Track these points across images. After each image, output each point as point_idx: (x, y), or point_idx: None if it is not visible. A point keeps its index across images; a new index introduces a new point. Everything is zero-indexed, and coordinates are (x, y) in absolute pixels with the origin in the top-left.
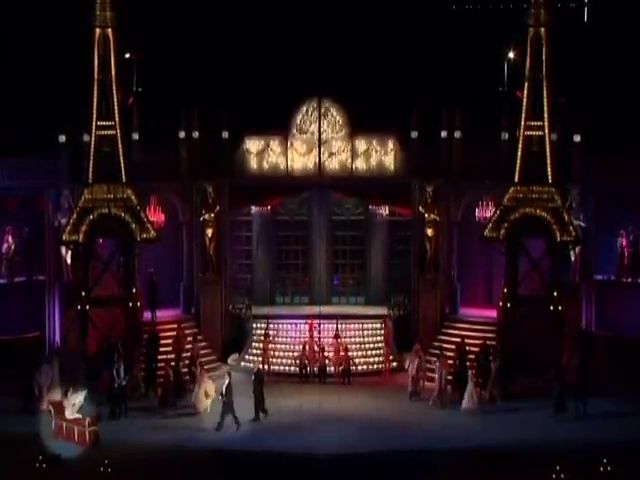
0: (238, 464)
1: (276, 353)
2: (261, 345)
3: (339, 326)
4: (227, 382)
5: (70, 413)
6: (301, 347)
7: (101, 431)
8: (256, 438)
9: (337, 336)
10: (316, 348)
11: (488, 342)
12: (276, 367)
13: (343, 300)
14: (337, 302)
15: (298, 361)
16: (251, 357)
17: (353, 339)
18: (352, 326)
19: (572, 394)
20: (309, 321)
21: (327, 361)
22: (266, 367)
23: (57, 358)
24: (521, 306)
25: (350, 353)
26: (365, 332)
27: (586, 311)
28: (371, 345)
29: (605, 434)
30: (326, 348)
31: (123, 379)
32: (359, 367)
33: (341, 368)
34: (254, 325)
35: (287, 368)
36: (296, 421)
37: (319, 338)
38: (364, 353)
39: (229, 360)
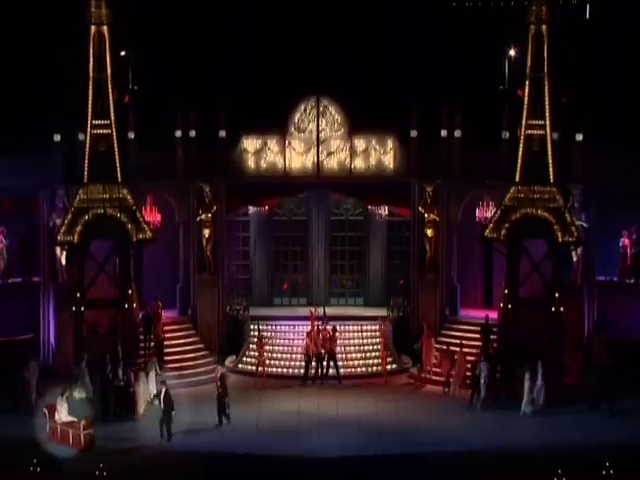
0: (235, 468)
1: (274, 355)
2: (255, 348)
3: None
4: (164, 391)
5: (65, 416)
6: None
7: (96, 434)
8: (253, 441)
9: (324, 323)
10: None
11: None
12: (274, 369)
13: (342, 301)
14: (336, 303)
15: (305, 344)
16: (249, 359)
17: (352, 341)
18: (351, 328)
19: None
20: (311, 310)
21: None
22: (263, 369)
23: (37, 359)
24: (522, 308)
25: (338, 337)
26: (364, 334)
27: (588, 313)
28: (371, 347)
29: (609, 437)
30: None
31: (121, 380)
32: (358, 369)
33: (328, 350)
34: (252, 327)
35: (285, 370)
36: (294, 424)
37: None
38: (363, 355)
39: (226, 362)
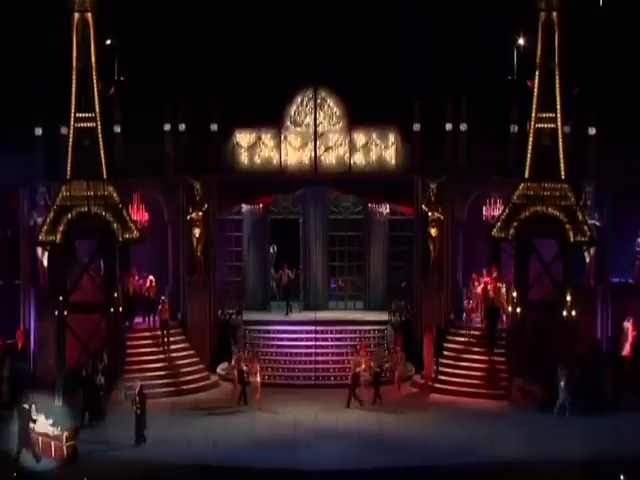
0: None
1: (268, 364)
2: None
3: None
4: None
5: (42, 427)
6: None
7: (80, 445)
8: (249, 453)
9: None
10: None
11: None
12: (272, 377)
13: (341, 305)
14: (334, 307)
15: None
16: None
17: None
18: (351, 334)
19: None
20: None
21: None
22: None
23: (8, 358)
24: (532, 311)
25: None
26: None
27: (601, 316)
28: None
29: (622, 448)
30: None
31: (102, 388)
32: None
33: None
34: (245, 332)
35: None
36: (291, 435)
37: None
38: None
39: (218, 369)
